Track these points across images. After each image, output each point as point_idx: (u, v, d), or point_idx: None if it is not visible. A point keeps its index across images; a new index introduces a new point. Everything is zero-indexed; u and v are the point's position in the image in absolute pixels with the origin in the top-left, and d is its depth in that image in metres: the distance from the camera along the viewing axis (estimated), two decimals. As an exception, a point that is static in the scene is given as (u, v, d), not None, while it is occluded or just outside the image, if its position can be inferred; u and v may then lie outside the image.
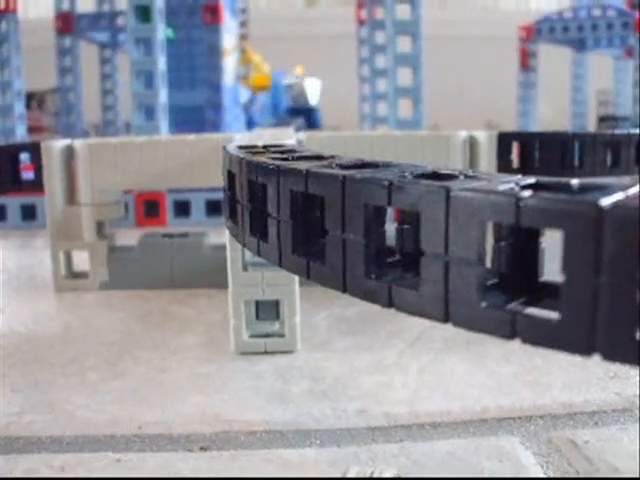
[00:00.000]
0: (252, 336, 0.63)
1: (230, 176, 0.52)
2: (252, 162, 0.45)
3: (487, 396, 0.53)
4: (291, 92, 2.54)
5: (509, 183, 0.30)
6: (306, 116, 2.48)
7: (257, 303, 0.63)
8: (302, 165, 0.40)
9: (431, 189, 0.30)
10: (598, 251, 0.25)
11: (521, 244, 0.32)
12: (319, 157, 0.44)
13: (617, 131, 0.88)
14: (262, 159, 0.44)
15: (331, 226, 0.36)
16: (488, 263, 0.31)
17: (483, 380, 0.56)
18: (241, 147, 0.54)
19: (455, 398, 0.53)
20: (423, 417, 0.50)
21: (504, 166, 0.81)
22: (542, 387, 0.54)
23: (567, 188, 0.30)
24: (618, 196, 0.26)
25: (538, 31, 2.42)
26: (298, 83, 2.58)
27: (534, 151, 0.81)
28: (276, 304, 0.63)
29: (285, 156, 0.45)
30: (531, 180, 0.31)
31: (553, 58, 2.69)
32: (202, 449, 0.46)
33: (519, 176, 0.32)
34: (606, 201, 0.26)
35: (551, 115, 2.82)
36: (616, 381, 0.55)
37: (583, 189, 0.29)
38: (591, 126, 2.94)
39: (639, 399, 0.52)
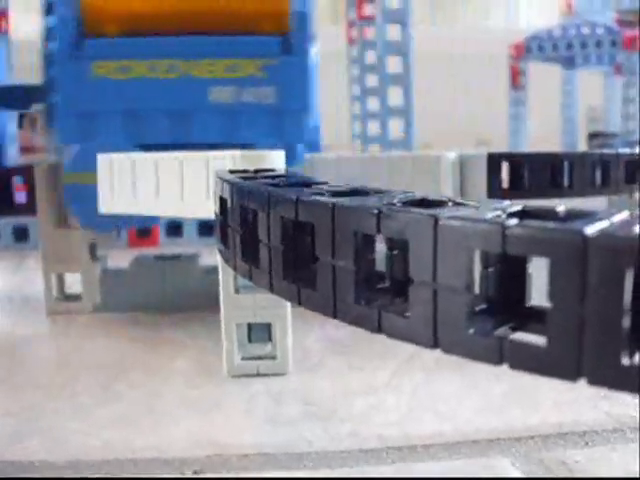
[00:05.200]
0: (244, 359, 0.63)
1: (222, 201, 0.52)
2: (243, 188, 0.45)
3: (478, 417, 0.53)
4: None
5: (496, 210, 0.30)
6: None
7: (249, 326, 0.63)
8: (293, 192, 0.40)
9: (419, 217, 0.31)
10: (583, 279, 0.26)
11: (509, 270, 0.32)
12: (310, 183, 0.45)
13: (606, 151, 0.88)
14: (253, 185, 0.45)
15: (321, 253, 0.37)
16: (476, 289, 0.31)
17: (474, 401, 0.56)
18: (232, 172, 0.54)
19: (446, 419, 0.53)
20: (415, 439, 0.50)
21: (494, 186, 0.82)
22: (533, 407, 0.55)
23: (554, 215, 0.30)
24: (603, 224, 0.27)
25: (528, 49, 2.44)
26: None
27: (524, 171, 0.82)
28: (268, 327, 0.63)
29: (276, 182, 0.46)
30: (518, 207, 0.31)
31: (543, 75, 2.70)
32: (195, 473, 0.46)
33: (507, 202, 0.32)
34: (591, 229, 0.26)
35: (542, 132, 2.84)
36: (606, 401, 0.55)
37: (569, 216, 0.30)
38: (581, 142, 2.95)
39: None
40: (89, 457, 0.48)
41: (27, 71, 2.17)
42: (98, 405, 0.57)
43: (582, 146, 2.89)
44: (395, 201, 0.34)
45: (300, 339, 0.71)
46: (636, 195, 0.95)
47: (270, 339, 0.63)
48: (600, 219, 0.28)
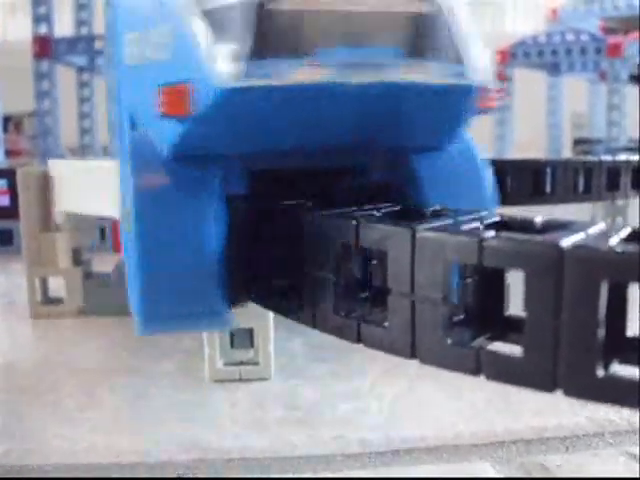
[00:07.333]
0: (226, 364, 0.63)
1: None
2: None
3: (460, 422, 0.53)
4: None
5: (474, 222, 0.31)
6: None
7: (231, 331, 0.63)
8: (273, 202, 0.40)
9: (397, 229, 0.31)
10: (558, 290, 0.26)
11: (486, 281, 0.32)
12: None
13: (589, 158, 0.89)
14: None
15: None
16: (454, 299, 0.31)
17: (457, 406, 0.56)
18: None
19: (429, 424, 0.53)
20: (398, 443, 0.50)
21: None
22: (514, 412, 0.55)
23: (530, 226, 0.30)
24: (578, 236, 0.27)
25: (513, 55, 2.44)
26: None
27: (506, 178, 0.82)
28: (250, 332, 0.63)
29: None
30: (495, 218, 0.32)
31: (529, 82, 2.72)
32: (179, 476, 0.46)
33: (484, 213, 0.33)
34: (566, 242, 0.26)
35: (527, 138, 2.84)
36: (587, 406, 0.55)
37: (546, 227, 0.30)
38: (567, 148, 2.96)
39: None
40: (73, 461, 0.48)
41: (14, 74, 2.17)
42: (82, 409, 0.57)
43: (567, 152, 2.90)
44: (374, 212, 0.34)
45: (285, 344, 0.71)
46: (618, 202, 0.96)
47: (252, 345, 0.64)
48: (576, 231, 0.28)
